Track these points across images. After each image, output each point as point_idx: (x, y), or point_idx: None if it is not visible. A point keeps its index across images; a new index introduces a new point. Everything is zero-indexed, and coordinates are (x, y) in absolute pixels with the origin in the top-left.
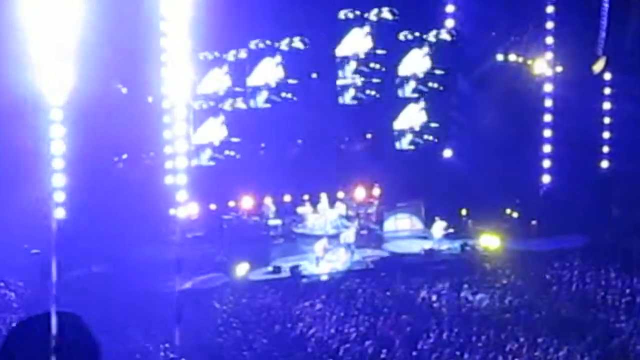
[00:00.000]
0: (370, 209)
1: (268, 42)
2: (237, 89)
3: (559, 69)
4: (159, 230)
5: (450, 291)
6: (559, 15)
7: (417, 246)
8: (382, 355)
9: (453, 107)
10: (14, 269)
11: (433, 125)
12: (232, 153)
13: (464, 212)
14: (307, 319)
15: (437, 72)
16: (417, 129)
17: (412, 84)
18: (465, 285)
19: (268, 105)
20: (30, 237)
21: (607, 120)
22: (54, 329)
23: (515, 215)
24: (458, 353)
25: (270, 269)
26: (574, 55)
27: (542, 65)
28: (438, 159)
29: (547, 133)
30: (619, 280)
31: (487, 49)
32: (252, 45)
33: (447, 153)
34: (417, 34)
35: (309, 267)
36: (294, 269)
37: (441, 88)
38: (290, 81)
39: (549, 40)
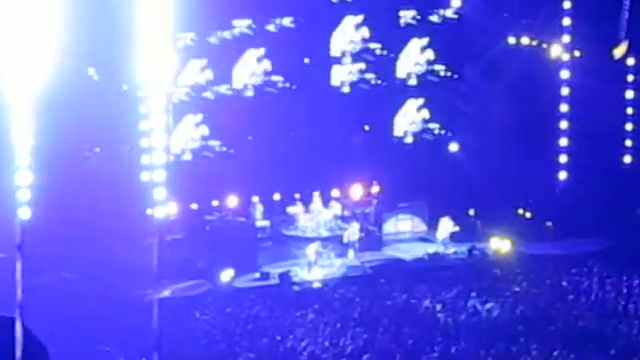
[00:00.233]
0: (368, 209)
1: (254, 25)
2: (222, 76)
3: (577, 54)
4: (135, 233)
5: (456, 300)
6: None
7: (420, 250)
8: None
9: (460, 96)
10: None
11: (438, 116)
12: (216, 147)
13: (472, 212)
14: (298, 331)
15: (443, 58)
16: (420, 120)
17: (416, 70)
18: (474, 294)
19: (255, 94)
20: None
21: (630, 111)
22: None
23: (528, 215)
24: None
25: (257, 275)
26: (594, 38)
27: (559, 50)
28: (443, 153)
29: (564, 125)
30: None
31: (497, 31)
32: (237, 27)
33: (454, 147)
34: (420, 15)
35: (300, 274)
36: (284, 276)
37: (447, 75)
38: (280, 68)
39: (566, 22)
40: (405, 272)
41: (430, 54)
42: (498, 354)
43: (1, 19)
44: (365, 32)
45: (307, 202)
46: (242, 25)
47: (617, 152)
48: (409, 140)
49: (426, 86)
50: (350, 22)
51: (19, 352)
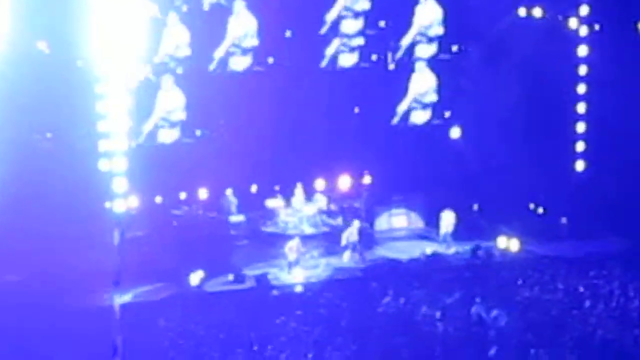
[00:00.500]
0: (358, 202)
1: None
2: (191, 51)
3: (597, 27)
4: (91, 229)
5: (458, 306)
6: None
7: (416, 249)
8: None
9: (463, 74)
10: None
11: (438, 97)
12: (185, 132)
13: (475, 207)
14: (277, 340)
15: (445, 31)
16: (418, 102)
17: (415, 45)
18: (478, 299)
19: (229, 72)
20: None
21: None
22: None
23: (540, 211)
24: None
25: (231, 277)
26: (615, 10)
27: (575, 23)
28: (444, 139)
29: (581, 108)
30: None
31: (506, 2)
32: None
33: (455, 133)
34: None
35: (279, 275)
36: (261, 278)
37: (449, 51)
38: (260, 42)
39: None
40: (399, 275)
41: (431, 26)
42: None
43: None
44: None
45: (287, 194)
46: None
47: None
48: (405, 124)
49: (425, 63)
50: None
51: None
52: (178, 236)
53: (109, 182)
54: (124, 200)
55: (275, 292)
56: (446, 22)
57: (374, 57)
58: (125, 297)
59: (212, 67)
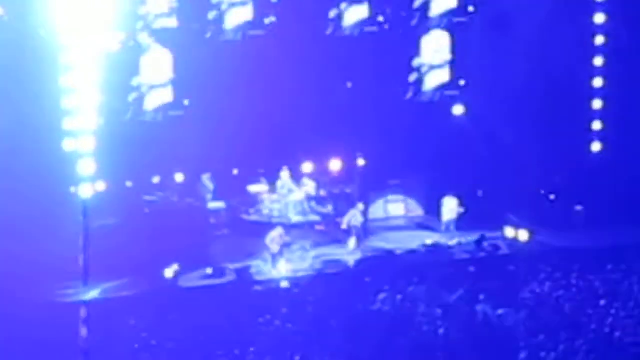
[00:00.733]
0: (350, 188)
1: None
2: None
3: None
4: (55, 217)
5: (461, 303)
6: None
7: (415, 240)
8: None
9: (466, 44)
10: None
11: (439, 71)
12: (158, 109)
13: (480, 193)
14: (261, 340)
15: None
16: (417, 75)
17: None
18: (483, 296)
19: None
20: None
21: None
22: None
23: (552, 197)
24: None
25: (209, 271)
26: None
27: None
28: (446, 118)
29: (598, 83)
30: None
31: None
32: None
33: (458, 110)
34: None
35: (263, 269)
36: (243, 272)
37: (451, 19)
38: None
39: None
40: (396, 268)
41: None
42: None
43: None
44: None
45: (272, 178)
46: None
47: None
48: (402, 101)
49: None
50: None
51: None
52: (151, 225)
53: (75, 164)
54: (91, 185)
55: (258, 288)
56: None
57: (377, 25)
58: (92, 293)
59: (185, 36)
